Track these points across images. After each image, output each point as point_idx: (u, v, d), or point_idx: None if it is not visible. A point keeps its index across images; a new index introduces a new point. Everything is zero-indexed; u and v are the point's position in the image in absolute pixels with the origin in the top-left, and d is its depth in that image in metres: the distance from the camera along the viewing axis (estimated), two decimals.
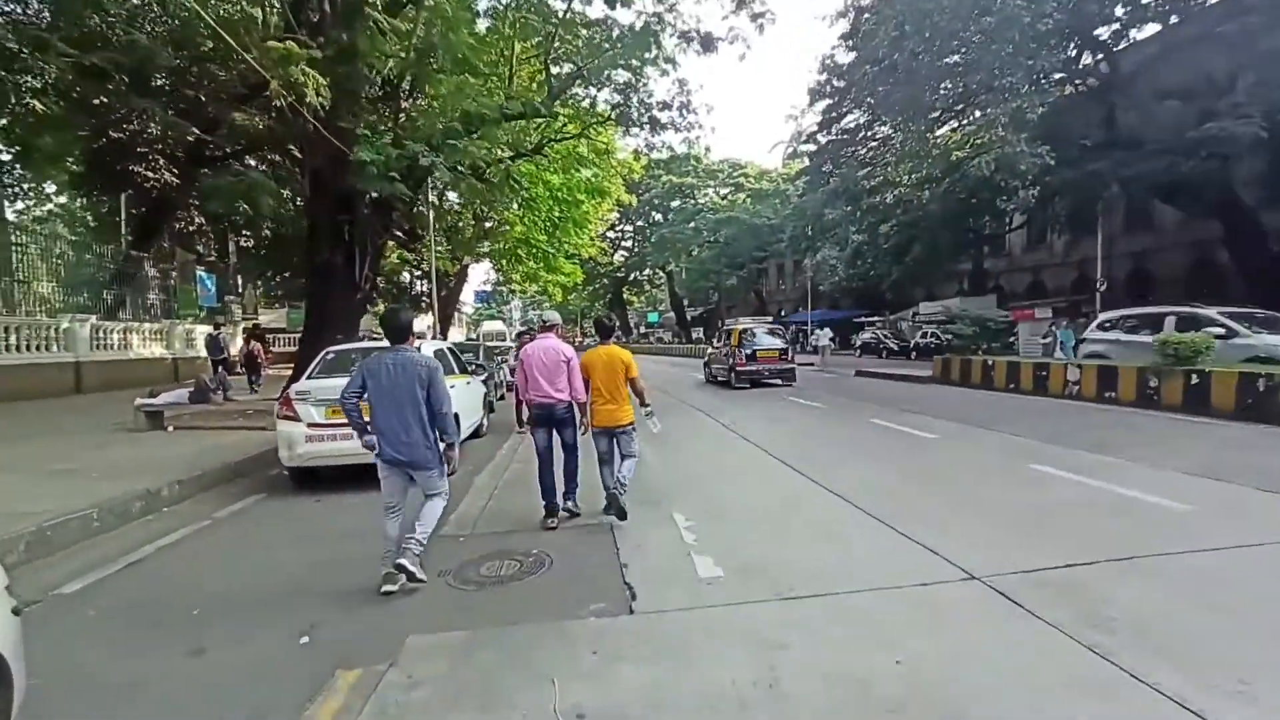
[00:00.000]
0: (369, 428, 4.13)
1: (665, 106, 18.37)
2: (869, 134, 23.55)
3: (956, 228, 29.00)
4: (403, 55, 11.34)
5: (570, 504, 5.65)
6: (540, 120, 21.31)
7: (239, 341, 24.45)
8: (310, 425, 6.85)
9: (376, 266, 14.39)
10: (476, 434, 9.91)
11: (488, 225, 25.87)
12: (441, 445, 4.25)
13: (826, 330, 28.38)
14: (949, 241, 29.47)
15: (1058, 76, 17.51)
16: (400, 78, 13.05)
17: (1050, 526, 4.86)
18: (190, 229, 20.45)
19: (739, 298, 56.16)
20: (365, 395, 4.15)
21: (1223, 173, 18.95)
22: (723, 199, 48.73)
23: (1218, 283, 26.88)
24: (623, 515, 5.31)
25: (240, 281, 26.17)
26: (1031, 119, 15.33)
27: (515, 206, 23.98)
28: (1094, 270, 34.06)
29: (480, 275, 58.25)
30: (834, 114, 26.33)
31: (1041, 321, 26.68)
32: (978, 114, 16.33)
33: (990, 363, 13.68)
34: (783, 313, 51.73)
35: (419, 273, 35.02)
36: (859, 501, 5.65)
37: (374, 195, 12.21)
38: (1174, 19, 18.18)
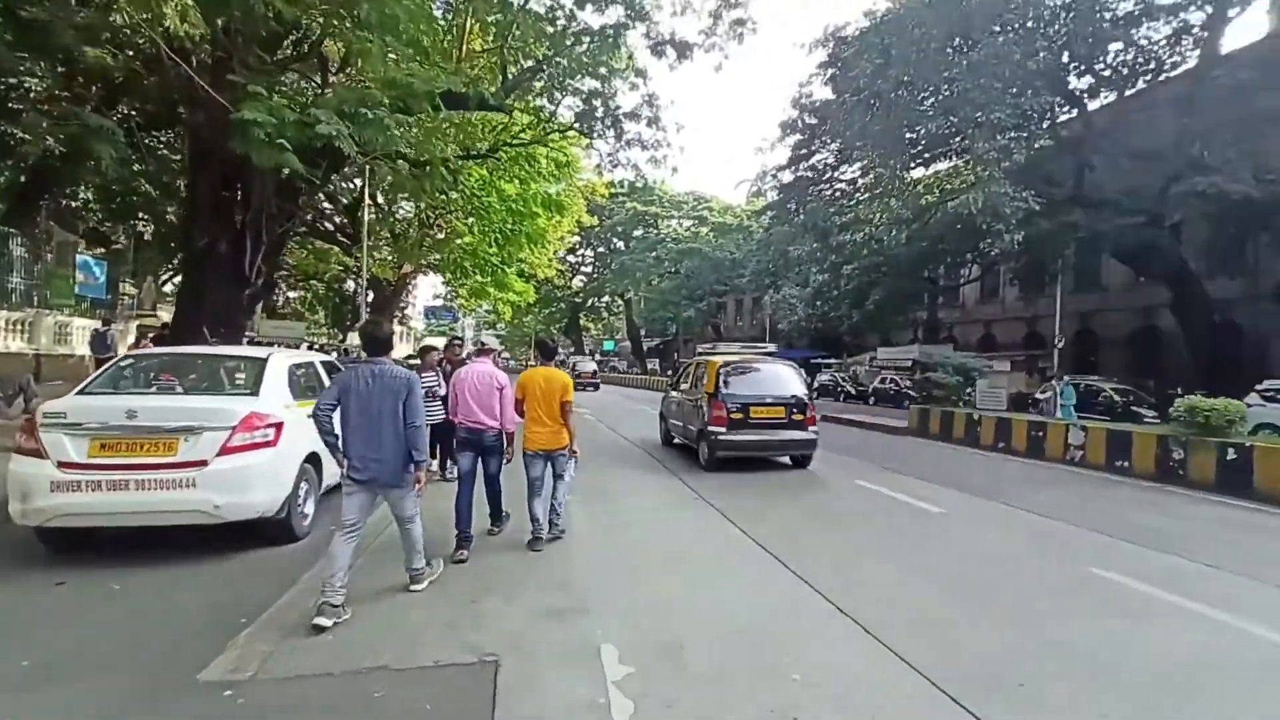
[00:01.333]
0: (339, 445, 3.86)
1: (633, 117, 16.68)
2: (840, 170, 22.45)
3: (915, 275, 28.38)
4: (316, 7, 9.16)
5: (496, 527, 5.67)
6: (495, 121, 19.45)
7: (131, 340, 21.18)
8: (63, 465, 4.42)
9: (275, 260, 11.90)
10: None
11: (437, 234, 23.51)
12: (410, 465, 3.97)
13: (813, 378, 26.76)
14: (909, 288, 28.78)
15: (1045, 124, 16.63)
16: (320, 39, 10.83)
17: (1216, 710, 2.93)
18: (79, 207, 17.41)
19: (696, 331, 54.80)
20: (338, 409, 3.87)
21: (1173, 239, 18.55)
22: (686, 230, 47.56)
23: (1160, 347, 26.84)
24: (556, 536, 5.39)
25: (136, 272, 22.80)
26: (1019, 159, 14.27)
27: (460, 212, 21.77)
28: (1046, 326, 34.14)
29: (434, 289, 55.13)
30: (805, 150, 25.31)
31: (999, 374, 25.98)
32: (965, 151, 15.15)
33: (976, 417, 12.12)
34: None
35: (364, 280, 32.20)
36: (890, 637, 3.62)
37: (284, 173, 9.89)
38: (1136, 86, 17.72)
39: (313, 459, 5.66)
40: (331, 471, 6.24)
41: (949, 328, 38.38)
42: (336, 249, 26.80)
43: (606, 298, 59.66)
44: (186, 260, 10.91)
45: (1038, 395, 15.35)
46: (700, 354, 11.27)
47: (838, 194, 23.98)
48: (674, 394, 10.97)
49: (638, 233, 49.55)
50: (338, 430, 3.85)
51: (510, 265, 24.59)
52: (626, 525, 6.17)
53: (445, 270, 23.35)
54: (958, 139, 16.40)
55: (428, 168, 12.07)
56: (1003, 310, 35.77)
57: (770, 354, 11.44)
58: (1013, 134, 14.51)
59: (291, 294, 44.14)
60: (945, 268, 31.37)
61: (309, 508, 5.58)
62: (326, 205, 25.70)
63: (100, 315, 17.46)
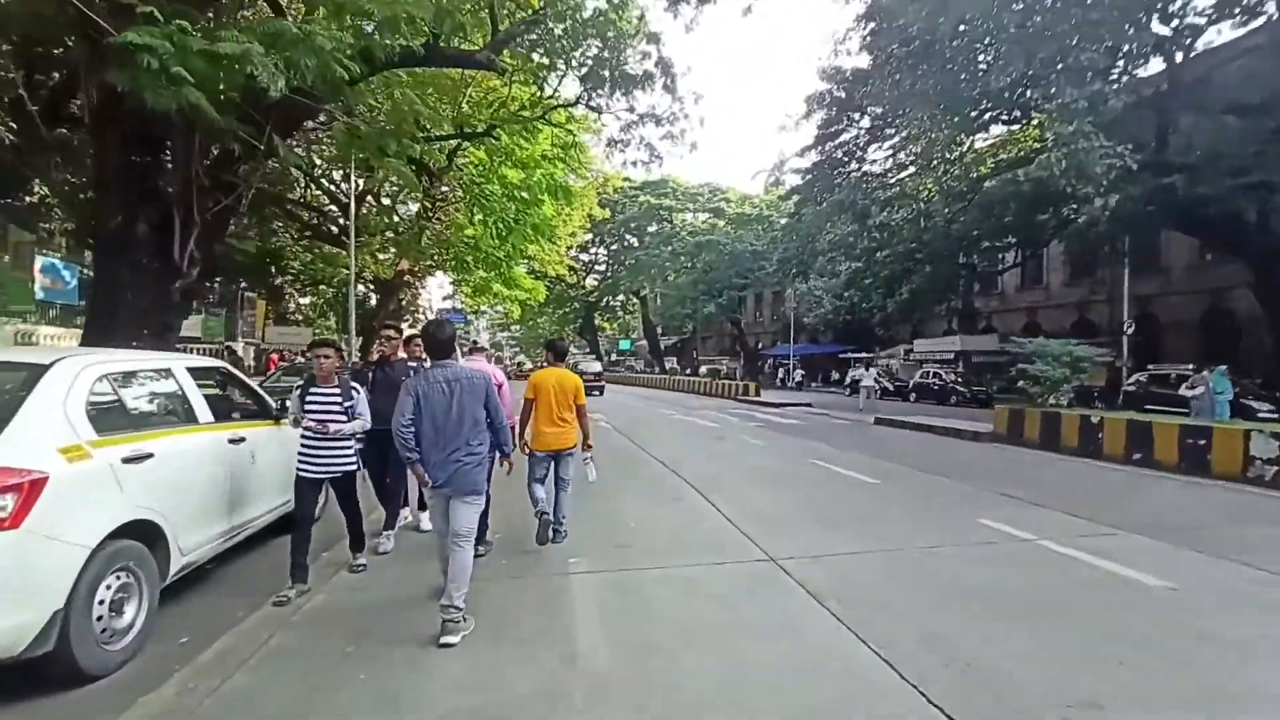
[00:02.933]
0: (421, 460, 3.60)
1: (646, 81, 14.25)
2: (878, 144, 19.77)
3: (954, 259, 25.60)
4: None
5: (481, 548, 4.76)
6: (491, 95, 17.15)
7: None
8: None
9: (212, 245, 9.63)
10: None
11: (437, 225, 21.25)
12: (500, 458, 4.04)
13: (871, 370, 23.76)
14: (949, 273, 25.97)
15: (1128, 73, 13.78)
16: None
17: None
18: (36, 203, 15.45)
19: (715, 327, 52.19)
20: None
21: (1265, 210, 15.67)
22: (703, 223, 44.91)
23: (1234, 335, 23.80)
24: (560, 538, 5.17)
25: None
26: (1115, 106, 11.61)
27: (459, 202, 19.51)
28: (1098, 313, 31.11)
29: (443, 289, 53.06)
30: (833, 128, 22.68)
31: None
32: (1037, 107, 12.35)
33: (1097, 420, 9.44)
34: (760, 346, 47.88)
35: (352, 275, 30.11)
36: None
37: (224, 138, 7.68)
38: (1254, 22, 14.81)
39: (143, 531, 3.32)
40: (194, 542, 3.88)
41: (987, 317, 35.40)
42: (343, 253, 24.67)
43: (621, 297, 57.28)
44: (98, 247, 8.67)
45: (1184, 391, 12.49)
46: None
47: (873, 173, 21.32)
48: None
49: (652, 228, 47.11)
50: (415, 445, 3.56)
51: (516, 260, 22.28)
52: (651, 602, 3.73)
53: (446, 266, 21.13)
54: (1030, 93, 13.53)
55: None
56: (1047, 296, 32.72)
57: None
58: (1101, 82, 11.82)
59: (303, 300, 42.45)
60: (980, 254, 28.58)
61: (129, 620, 3.23)
62: (331, 207, 23.66)
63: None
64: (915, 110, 15.15)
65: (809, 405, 20.47)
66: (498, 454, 3.99)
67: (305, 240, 30.04)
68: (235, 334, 31.40)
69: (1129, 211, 12.53)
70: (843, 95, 21.56)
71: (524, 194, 19.37)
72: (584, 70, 14.20)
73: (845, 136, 22.02)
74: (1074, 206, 12.33)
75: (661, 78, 15.00)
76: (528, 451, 5.10)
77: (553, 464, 5.16)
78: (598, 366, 35.15)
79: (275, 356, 25.03)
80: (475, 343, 7.23)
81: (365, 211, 25.91)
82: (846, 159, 23.56)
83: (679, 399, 25.68)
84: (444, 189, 20.16)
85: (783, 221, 39.20)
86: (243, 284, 34.85)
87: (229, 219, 10.44)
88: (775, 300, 48.88)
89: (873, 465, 8.92)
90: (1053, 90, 11.88)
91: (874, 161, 21.56)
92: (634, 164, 18.77)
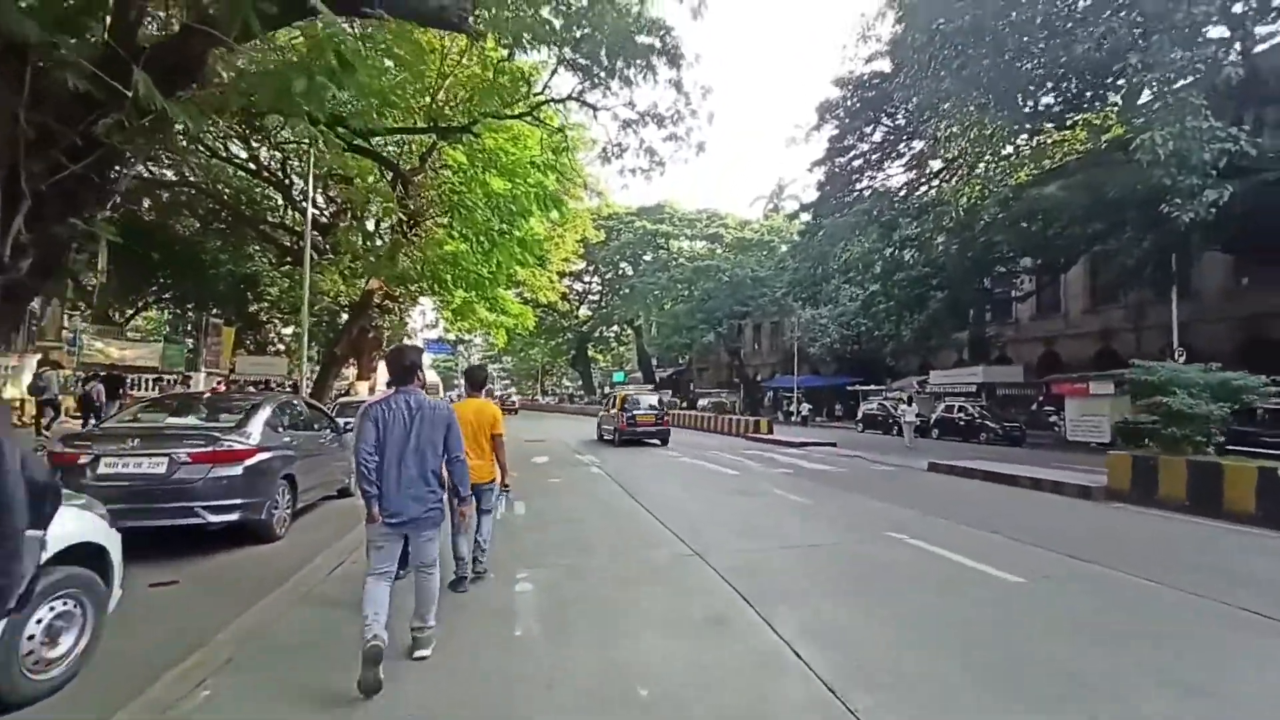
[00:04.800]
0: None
1: (650, 54, 11.83)
2: (895, 153, 17.40)
3: (971, 283, 23.23)
4: None
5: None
6: (470, 83, 14.68)
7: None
8: None
9: (50, 232, 6.81)
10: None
11: (412, 239, 18.56)
12: (453, 498, 3.74)
13: (914, 405, 21.10)
14: (969, 298, 23.55)
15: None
16: None
17: None
18: None
19: (712, 359, 49.50)
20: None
21: None
22: (700, 250, 42.57)
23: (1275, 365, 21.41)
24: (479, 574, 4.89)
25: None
26: (1233, 76, 9.20)
27: (435, 210, 16.86)
28: (1123, 342, 28.67)
29: (429, 319, 50.15)
30: (849, 135, 20.45)
31: (1098, 399, 20.49)
32: (1145, 70, 9.88)
33: None
34: (758, 377, 45.11)
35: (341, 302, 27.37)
36: None
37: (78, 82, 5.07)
38: None
39: None
40: None
41: (1000, 347, 32.93)
42: (324, 277, 22.06)
43: (615, 327, 54.72)
44: None
45: None
46: None
47: (892, 186, 19.02)
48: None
49: (647, 256, 44.81)
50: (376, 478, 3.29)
51: (500, 279, 19.57)
52: None
53: (423, 285, 18.38)
54: (1132, 53, 10.60)
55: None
56: (1066, 325, 30.32)
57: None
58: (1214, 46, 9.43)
59: (285, 330, 39.57)
60: (996, 278, 26.25)
61: None
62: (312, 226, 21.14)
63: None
64: (959, 101, 12.76)
65: (834, 445, 17.57)
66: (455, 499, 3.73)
67: (287, 265, 27.44)
68: (199, 364, 28.41)
69: (1238, 208, 10.01)
70: (857, 104, 19.38)
71: (510, 204, 16.75)
72: (581, 48, 11.80)
73: (861, 148, 19.77)
74: (1175, 203, 9.74)
75: (666, 69, 12.66)
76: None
77: (474, 499, 4.66)
78: (653, 399, 20.85)
79: (217, 386, 22.01)
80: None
81: (341, 226, 23.34)
82: (858, 174, 21.29)
83: (681, 437, 22.75)
84: (418, 200, 17.53)
85: (783, 249, 37.01)
86: (214, 311, 32.01)
87: (90, 196, 7.61)
88: (774, 330, 46.39)
89: (985, 544, 6.06)
90: (1149, 57, 9.45)
91: (889, 175, 19.26)
92: (632, 172, 16.24)
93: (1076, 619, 4.15)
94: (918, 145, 17.26)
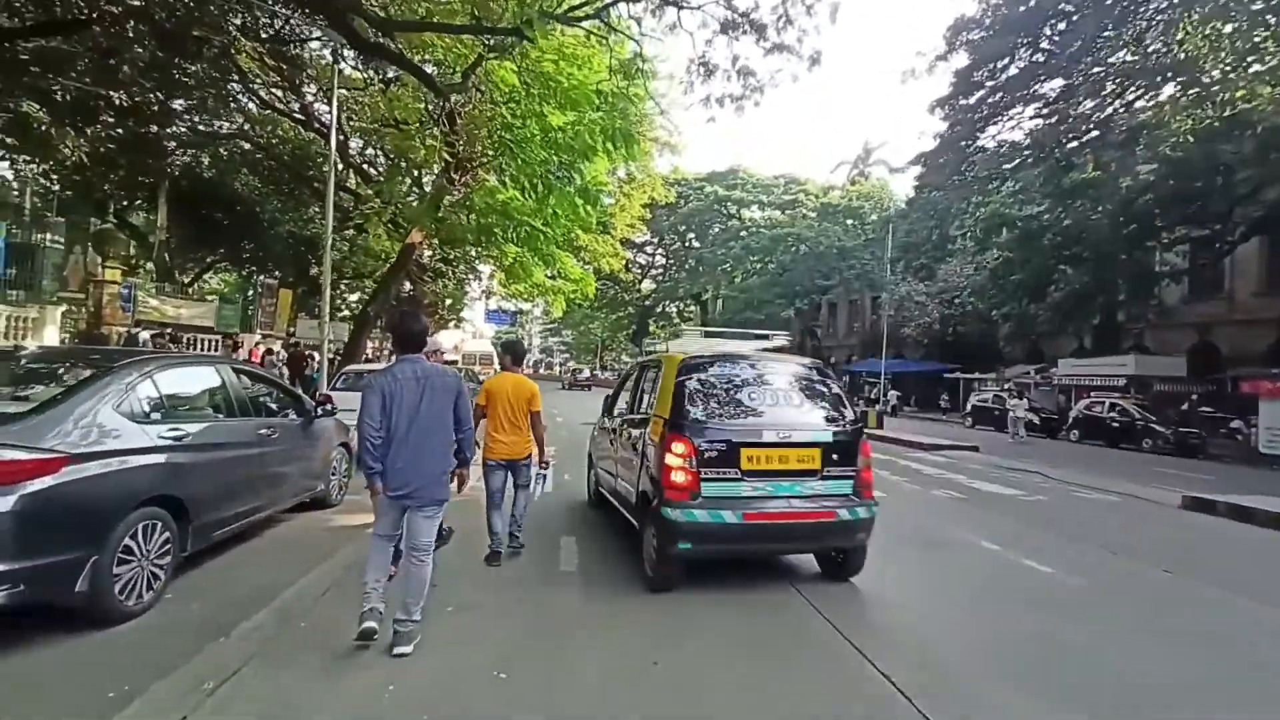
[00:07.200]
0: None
1: None
2: (1071, 70, 12.90)
3: (1114, 255, 18.29)
4: None
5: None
6: None
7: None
8: None
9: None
10: None
11: (460, 187, 15.69)
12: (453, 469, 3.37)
13: (1024, 399, 17.86)
14: (1131, 271, 18.54)
15: None
16: None
17: None
18: None
19: (791, 337, 45.16)
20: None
21: None
22: (776, 218, 37.94)
23: None
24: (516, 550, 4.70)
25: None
26: None
27: (483, 148, 13.84)
28: None
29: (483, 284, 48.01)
30: (983, 70, 15.91)
31: None
32: None
33: None
34: (833, 360, 40.52)
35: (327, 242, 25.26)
36: None
37: None
38: None
39: None
40: None
41: (1136, 335, 27.25)
42: (370, 233, 20.05)
43: (678, 302, 51.06)
44: None
45: None
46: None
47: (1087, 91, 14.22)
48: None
49: (716, 229, 40.69)
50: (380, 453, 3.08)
51: (555, 235, 16.41)
52: None
53: (469, 234, 15.48)
54: None
55: None
56: (1230, 309, 24.45)
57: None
58: None
59: (351, 297, 38.46)
60: (1159, 249, 20.94)
61: None
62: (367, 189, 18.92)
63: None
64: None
65: (976, 449, 13.53)
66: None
67: (349, 230, 25.78)
68: (253, 325, 27.05)
69: None
70: (1004, 18, 14.84)
71: (571, 141, 13.48)
72: None
73: (1011, 73, 15.22)
74: None
75: None
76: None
77: (509, 474, 4.64)
78: (822, 383, 5.10)
79: (256, 350, 20.17)
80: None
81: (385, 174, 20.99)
82: (997, 114, 16.71)
83: None
84: (465, 141, 14.57)
85: (873, 217, 32.21)
86: (274, 273, 30.68)
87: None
88: (852, 309, 41.54)
89: None
90: None
91: (1051, 105, 14.67)
92: (719, 102, 12.54)
93: None
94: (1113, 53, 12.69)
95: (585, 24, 11.65)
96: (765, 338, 5.86)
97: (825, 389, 4.54)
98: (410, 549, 3.17)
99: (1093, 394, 19.83)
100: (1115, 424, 17.64)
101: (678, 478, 3.92)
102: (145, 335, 15.84)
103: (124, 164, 21.21)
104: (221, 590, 3.85)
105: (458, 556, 4.55)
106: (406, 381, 3.12)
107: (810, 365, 4.83)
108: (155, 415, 3.75)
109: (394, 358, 3.30)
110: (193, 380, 4.35)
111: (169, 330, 19.89)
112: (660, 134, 23.12)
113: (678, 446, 3.94)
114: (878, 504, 4.30)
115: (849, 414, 4.46)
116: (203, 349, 22.15)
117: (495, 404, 4.59)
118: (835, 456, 4.15)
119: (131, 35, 15.70)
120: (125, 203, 27.27)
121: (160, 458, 3.64)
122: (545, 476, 5.05)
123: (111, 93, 16.21)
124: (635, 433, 4.77)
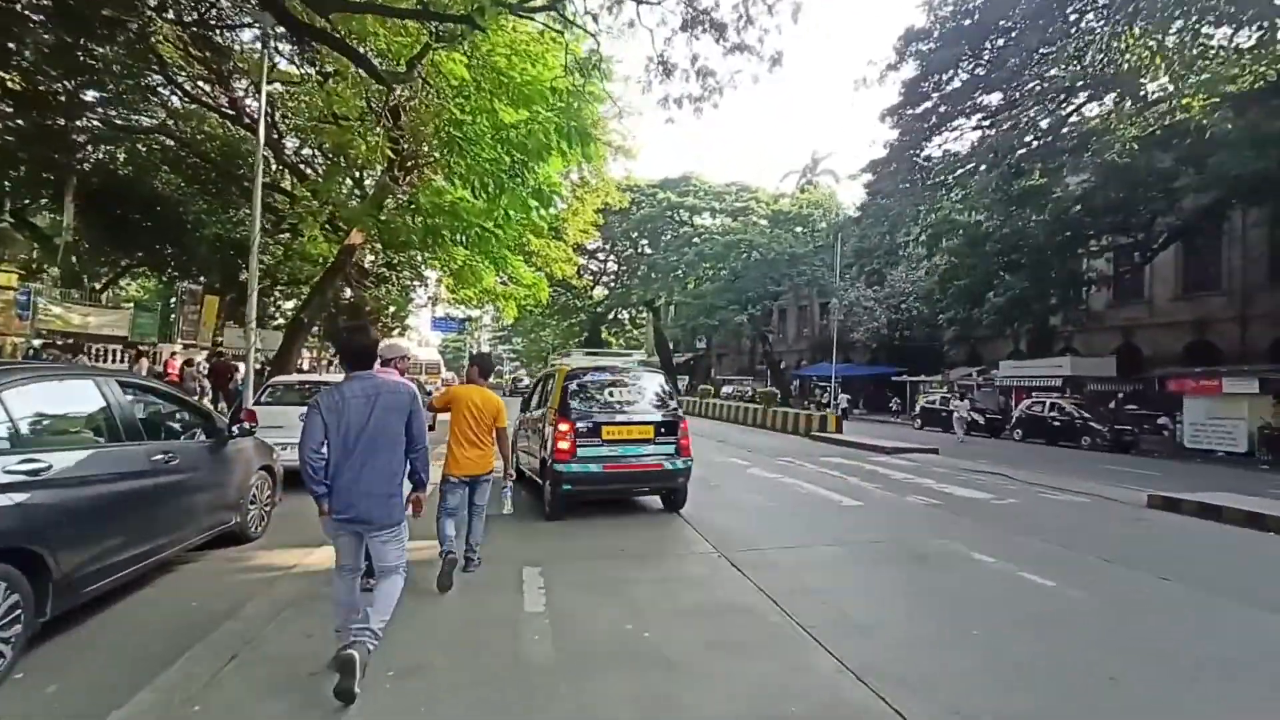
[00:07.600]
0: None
1: None
2: (1011, 79, 13.27)
3: (1048, 265, 19.17)
4: None
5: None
6: None
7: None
8: None
9: None
10: None
11: (403, 185, 14.72)
12: (409, 493, 3.14)
13: (966, 400, 18.27)
14: (1049, 278, 19.44)
15: None
16: None
17: None
18: None
19: (733, 344, 45.47)
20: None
21: None
22: (727, 226, 38.18)
23: None
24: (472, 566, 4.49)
25: None
26: None
27: (429, 144, 13.01)
28: (1222, 334, 24.54)
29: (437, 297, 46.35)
30: (929, 79, 16.28)
31: (1232, 399, 16.47)
32: None
33: None
34: (783, 365, 41.01)
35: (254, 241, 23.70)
36: None
37: None
38: None
39: None
40: None
41: (1066, 337, 28.70)
42: (307, 238, 18.58)
43: (630, 310, 50.66)
44: None
45: None
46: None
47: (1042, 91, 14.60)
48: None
49: (668, 235, 40.58)
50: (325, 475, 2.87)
51: (506, 239, 15.64)
52: None
53: (413, 235, 14.51)
54: None
55: None
56: (1150, 313, 26.07)
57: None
58: None
59: (286, 304, 36.08)
60: (1087, 255, 22.06)
61: None
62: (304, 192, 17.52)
63: None
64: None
65: (935, 451, 13.58)
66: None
67: (284, 234, 24.16)
68: (173, 335, 24.81)
69: None
70: (953, 28, 15.19)
71: (524, 139, 12.81)
72: None
73: (956, 84, 15.59)
74: None
75: None
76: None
77: (468, 491, 4.46)
78: (655, 384, 7.30)
79: (173, 361, 18.49)
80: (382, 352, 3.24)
81: (323, 173, 19.69)
82: (943, 124, 17.11)
83: (723, 431, 18.79)
84: (411, 136, 13.74)
85: (821, 225, 32.82)
86: (199, 279, 28.32)
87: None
88: (801, 315, 42.24)
89: None
90: None
91: (994, 124, 15.10)
92: (678, 103, 12.29)
93: None
94: (1038, 81, 13.12)
95: (540, 16, 11.09)
96: (629, 354, 8.84)
97: (660, 390, 6.82)
98: (379, 571, 3.03)
99: (1033, 394, 20.59)
100: (1056, 423, 18.30)
101: (563, 445, 6.05)
102: (36, 344, 14.10)
103: (25, 159, 19.19)
104: (91, 665, 3.03)
105: (405, 594, 3.86)
106: (354, 399, 2.92)
107: (653, 374, 6.97)
108: (2, 444, 2.92)
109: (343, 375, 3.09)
110: (61, 398, 3.49)
111: (68, 339, 17.91)
112: (614, 138, 22.73)
113: (563, 426, 6.11)
114: (692, 459, 6.55)
115: (673, 405, 6.74)
116: (111, 361, 20.04)
117: (458, 415, 4.45)
118: (663, 431, 6.41)
119: (26, 10, 13.95)
120: (27, 201, 24.71)
121: (7, 499, 2.82)
122: (508, 491, 5.07)
123: (6, 79, 14.48)
124: (538, 418, 6.91)
